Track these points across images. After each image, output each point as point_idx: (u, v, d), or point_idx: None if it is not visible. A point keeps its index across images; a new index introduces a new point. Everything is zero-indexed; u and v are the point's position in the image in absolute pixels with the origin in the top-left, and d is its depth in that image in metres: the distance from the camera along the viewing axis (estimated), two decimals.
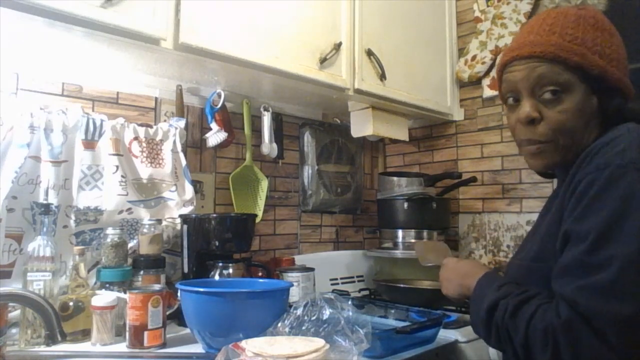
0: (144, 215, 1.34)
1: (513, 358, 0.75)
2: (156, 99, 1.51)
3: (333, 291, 1.63)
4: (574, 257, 0.68)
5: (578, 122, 0.78)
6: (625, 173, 0.66)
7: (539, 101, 0.79)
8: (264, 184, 1.72)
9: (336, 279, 1.84)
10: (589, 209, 0.68)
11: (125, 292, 1.11)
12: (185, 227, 1.34)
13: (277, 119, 1.79)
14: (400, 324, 1.15)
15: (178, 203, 1.42)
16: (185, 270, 1.34)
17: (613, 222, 0.65)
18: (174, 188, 1.42)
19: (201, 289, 1.01)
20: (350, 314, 0.97)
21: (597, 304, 0.63)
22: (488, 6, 1.93)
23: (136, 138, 1.37)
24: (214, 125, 1.55)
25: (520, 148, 0.86)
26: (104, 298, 1.09)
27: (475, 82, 1.95)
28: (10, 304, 1.02)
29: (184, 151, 1.50)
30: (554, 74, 0.77)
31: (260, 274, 1.43)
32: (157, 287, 1.14)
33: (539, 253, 0.79)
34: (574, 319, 0.65)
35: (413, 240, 1.81)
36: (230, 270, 1.26)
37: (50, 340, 0.93)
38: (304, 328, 0.95)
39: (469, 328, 1.05)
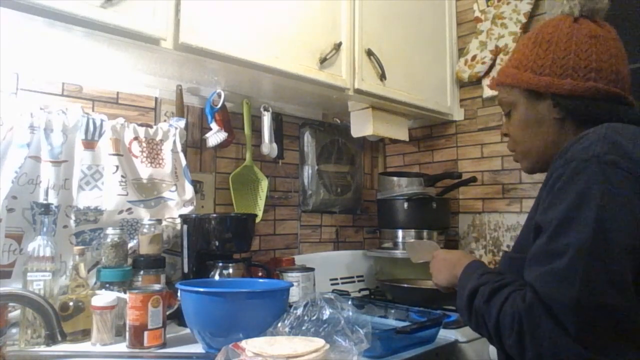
0: (144, 215, 1.34)
1: (489, 341, 0.79)
2: (156, 99, 1.51)
3: (333, 291, 1.63)
4: (538, 246, 0.73)
5: (526, 131, 0.90)
6: (587, 167, 0.70)
7: (506, 119, 0.96)
8: (264, 184, 1.72)
9: (336, 279, 1.84)
10: (553, 201, 0.73)
11: (125, 292, 1.11)
12: (185, 227, 1.34)
13: (277, 119, 1.79)
14: (400, 324, 1.15)
15: (178, 203, 1.42)
16: (185, 270, 1.34)
17: (571, 212, 0.69)
18: (174, 188, 1.42)
19: (201, 289, 1.01)
20: (350, 314, 0.97)
21: (552, 290, 0.67)
22: (488, 6, 1.93)
23: (136, 138, 1.37)
24: (214, 125, 1.55)
25: None
26: (104, 298, 1.09)
27: (475, 82, 1.95)
28: (10, 304, 1.03)
29: (184, 151, 1.50)
30: (501, 97, 0.95)
31: (260, 274, 1.43)
32: (157, 287, 1.14)
33: (519, 244, 0.86)
34: (535, 304, 0.68)
35: (413, 241, 1.81)
36: (230, 270, 1.26)
37: (50, 340, 0.93)
38: (304, 328, 0.95)
39: (469, 328, 1.05)
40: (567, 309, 0.65)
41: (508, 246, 1.81)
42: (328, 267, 1.81)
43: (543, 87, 0.86)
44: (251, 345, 0.84)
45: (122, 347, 1.06)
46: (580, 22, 0.87)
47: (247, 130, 1.65)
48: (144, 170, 1.37)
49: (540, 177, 1.06)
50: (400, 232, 1.86)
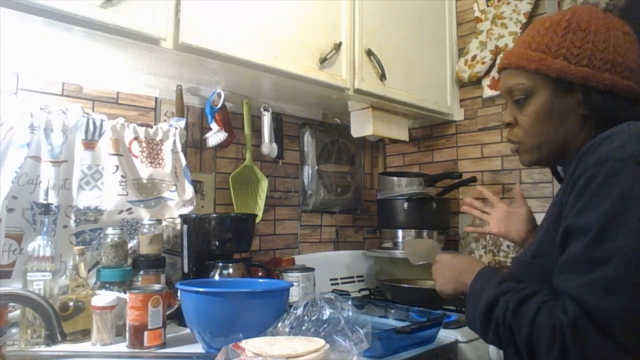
0: (144, 215, 1.34)
1: (514, 356, 0.74)
2: (156, 99, 1.51)
3: (333, 291, 1.63)
4: (576, 252, 0.68)
5: (545, 123, 0.83)
6: (625, 167, 0.66)
7: (515, 107, 0.88)
8: (264, 184, 1.72)
9: (336, 279, 1.84)
10: (589, 204, 0.68)
11: (125, 292, 1.11)
12: (185, 227, 1.34)
13: (277, 119, 1.79)
14: (400, 324, 1.15)
15: (178, 203, 1.42)
16: (185, 270, 1.33)
17: (613, 217, 0.65)
18: (174, 188, 1.42)
19: (201, 289, 1.01)
20: (350, 314, 0.97)
21: (600, 301, 0.62)
22: (488, 6, 1.93)
23: (136, 138, 1.37)
24: (214, 125, 1.55)
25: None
26: (104, 298, 1.09)
27: (475, 82, 1.95)
28: (10, 304, 1.03)
29: (184, 151, 1.50)
30: (517, 82, 0.85)
31: (260, 274, 1.43)
32: (157, 287, 1.14)
33: (539, 249, 0.80)
34: (581, 316, 0.64)
35: (412, 239, 1.81)
36: (230, 270, 1.26)
37: (50, 340, 0.93)
38: (304, 328, 0.95)
39: (469, 329, 1.05)
40: (616, 321, 0.61)
41: (508, 246, 1.81)
42: (328, 267, 1.81)
43: (580, 79, 0.78)
44: (251, 345, 0.84)
45: (122, 347, 1.06)
46: (610, 15, 0.82)
47: (247, 130, 1.65)
48: (144, 170, 1.37)
49: (540, 177, 1.05)
50: (400, 232, 1.86)
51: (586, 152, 0.73)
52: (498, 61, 1.84)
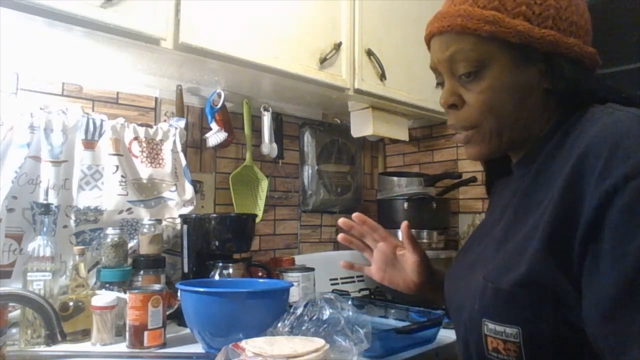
0: (144, 215, 1.34)
1: None
2: (156, 99, 1.51)
3: (333, 291, 1.63)
4: (619, 307, 0.49)
5: (506, 100, 0.65)
6: None
7: (459, 83, 0.68)
8: (264, 184, 1.72)
9: (336, 279, 1.84)
10: (633, 235, 0.50)
11: (125, 292, 1.11)
12: (185, 227, 1.34)
13: (277, 119, 1.79)
14: (400, 324, 1.15)
15: (178, 203, 1.42)
16: (185, 270, 1.33)
17: None
18: (174, 188, 1.42)
19: (201, 289, 1.01)
20: (350, 314, 0.97)
21: None
22: None
23: (136, 138, 1.37)
24: (214, 125, 1.55)
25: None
26: (104, 298, 1.09)
27: None
28: (10, 304, 1.02)
29: (184, 151, 1.50)
30: (465, 51, 0.66)
31: (260, 274, 1.43)
32: (157, 287, 1.14)
33: (529, 272, 0.57)
34: None
35: None
36: (230, 270, 1.26)
37: (50, 340, 0.92)
38: (304, 328, 0.95)
39: None
40: None
41: None
42: (328, 267, 1.81)
43: (547, 44, 0.62)
44: (251, 345, 0.84)
45: (122, 347, 1.06)
46: None
47: (247, 130, 1.65)
48: (144, 170, 1.37)
49: None
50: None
51: (613, 145, 0.54)
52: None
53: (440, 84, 0.74)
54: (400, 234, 0.93)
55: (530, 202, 0.63)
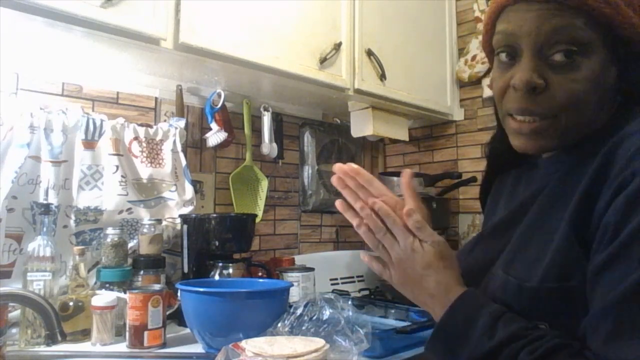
0: (144, 215, 1.34)
1: None
2: (156, 99, 1.51)
3: (333, 291, 1.63)
4: (620, 296, 0.49)
5: (590, 97, 0.59)
6: None
7: (545, 63, 0.59)
8: (264, 184, 1.72)
9: (336, 279, 1.84)
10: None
11: (125, 292, 1.11)
12: (185, 227, 1.34)
13: (277, 119, 1.79)
14: (400, 324, 1.15)
15: (178, 203, 1.42)
16: (185, 270, 1.33)
17: None
18: (174, 188, 1.42)
19: (201, 289, 1.01)
20: (350, 314, 0.97)
21: None
22: (488, 6, 1.93)
23: (136, 138, 1.37)
24: (214, 125, 1.55)
25: (507, 121, 0.65)
26: (104, 298, 1.09)
27: (475, 82, 1.95)
28: (10, 304, 1.02)
29: (184, 151, 1.50)
30: (576, 28, 0.57)
31: (260, 274, 1.43)
32: (157, 287, 1.13)
33: (559, 269, 0.55)
34: None
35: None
36: (230, 270, 1.26)
37: (50, 340, 0.93)
38: (304, 328, 0.95)
39: None
40: None
41: None
42: (328, 267, 1.81)
43: None
44: (251, 345, 0.84)
45: (122, 347, 1.06)
46: None
47: (247, 130, 1.65)
48: (144, 170, 1.37)
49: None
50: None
51: (622, 143, 0.54)
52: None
53: (507, 59, 0.63)
54: (401, 183, 0.79)
55: (558, 199, 0.60)
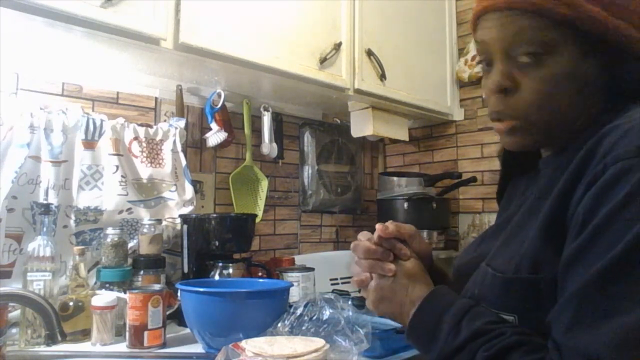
0: (144, 215, 1.34)
1: None
2: (156, 99, 1.51)
3: (333, 291, 1.63)
4: (584, 286, 0.50)
5: (564, 92, 0.61)
6: None
7: (514, 66, 0.62)
8: (264, 184, 1.72)
9: (336, 279, 1.84)
10: (618, 212, 0.50)
11: (125, 292, 1.11)
12: (185, 227, 1.34)
13: (277, 119, 1.79)
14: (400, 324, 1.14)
15: (178, 203, 1.42)
16: (185, 270, 1.33)
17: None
18: (174, 188, 1.42)
19: (201, 289, 1.01)
20: (350, 314, 0.97)
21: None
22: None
23: (136, 138, 1.37)
24: (214, 125, 1.55)
25: (492, 122, 0.68)
26: (104, 298, 1.09)
27: (475, 81, 1.95)
28: (10, 304, 1.02)
29: (184, 151, 1.50)
30: (535, 30, 0.60)
31: (260, 274, 1.43)
32: (157, 287, 1.13)
33: (532, 261, 0.58)
34: None
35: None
36: (230, 270, 1.26)
37: (50, 340, 0.93)
38: (304, 328, 0.95)
39: None
40: None
41: None
42: (328, 267, 1.81)
43: (622, 38, 0.58)
44: (251, 345, 0.84)
45: (122, 347, 1.06)
46: None
47: (247, 130, 1.65)
48: (144, 170, 1.37)
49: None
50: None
51: (619, 133, 0.54)
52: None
53: (486, 67, 0.67)
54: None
55: (543, 196, 0.62)
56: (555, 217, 0.56)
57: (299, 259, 1.70)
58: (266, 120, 1.68)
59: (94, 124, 1.29)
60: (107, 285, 1.19)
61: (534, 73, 0.61)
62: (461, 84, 2.01)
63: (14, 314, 1.06)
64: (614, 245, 0.48)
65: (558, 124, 0.63)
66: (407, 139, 1.93)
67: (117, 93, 1.43)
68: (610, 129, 0.55)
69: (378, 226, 0.75)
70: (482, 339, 0.55)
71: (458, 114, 2.01)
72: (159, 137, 1.42)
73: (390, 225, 0.74)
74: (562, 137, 0.64)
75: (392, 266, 0.71)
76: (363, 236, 0.78)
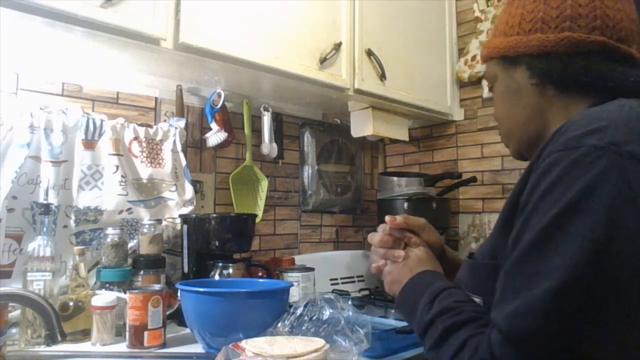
0: (144, 215, 1.34)
1: None
2: (156, 99, 1.51)
3: (333, 291, 1.63)
4: (510, 265, 0.56)
5: (506, 105, 0.77)
6: (600, 157, 0.52)
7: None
8: (264, 184, 1.72)
9: (336, 279, 1.84)
10: (543, 197, 0.55)
11: (125, 292, 1.11)
12: (185, 227, 1.34)
13: (277, 119, 1.79)
14: (400, 324, 1.15)
15: (178, 203, 1.42)
16: (185, 270, 1.33)
17: (564, 220, 0.52)
18: (174, 188, 1.42)
19: (201, 289, 1.01)
20: (350, 314, 0.97)
21: (529, 332, 0.51)
22: (488, 6, 1.93)
23: (136, 138, 1.37)
24: (214, 125, 1.55)
25: None
26: (104, 298, 1.09)
27: (476, 82, 1.95)
28: (10, 304, 1.02)
29: (184, 151, 1.50)
30: (486, 72, 0.81)
31: (260, 274, 1.43)
32: (157, 287, 1.14)
33: (492, 249, 0.66)
34: (509, 354, 0.52)
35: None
36: (230, 270, 1.26)
37: (50, 340, 0.93)
38: (304, 328, 0.95)
39: None
40: (549, 356, 0.51)
41: None
42: (328, 267, 1.81)
43: (512, 49, 0.71)
44: (251, 345, 0.84)
45: (122, 347, 1.06)
46: None
47: (247, 130, 1.65)
48: (144, 170, 1.37)
49: None
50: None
51: (555, 134, 0.59)
52: None
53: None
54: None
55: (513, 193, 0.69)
56: (511, 208, 0.63)
57: (299, 259, 1.70)
58: (266, 120, 1.68)
59: (94, 124, 1.29)
60: (107, 285, 1.19)
61: (494, 99, 0.81)
62: (461, 84, 2.01)
63: (14, 314, 1.06)
64: (533, 230, 0.54)
65: (520, 129, 0.75)
66: (407, 139, 1.93)
67: (117, 93, 1.43)
68: (562, 126, 0.60)
69: (387, 218, 0.88)
70: (447, 315, 0.63)
71: (458, 114, 2.01)
72: (159, 137, 1.42)
73: (399, 217, 0.88)
74: (532, 142, 0.73)
75: (401, 252, 0.84)
76: (379, 228, 0.90)
